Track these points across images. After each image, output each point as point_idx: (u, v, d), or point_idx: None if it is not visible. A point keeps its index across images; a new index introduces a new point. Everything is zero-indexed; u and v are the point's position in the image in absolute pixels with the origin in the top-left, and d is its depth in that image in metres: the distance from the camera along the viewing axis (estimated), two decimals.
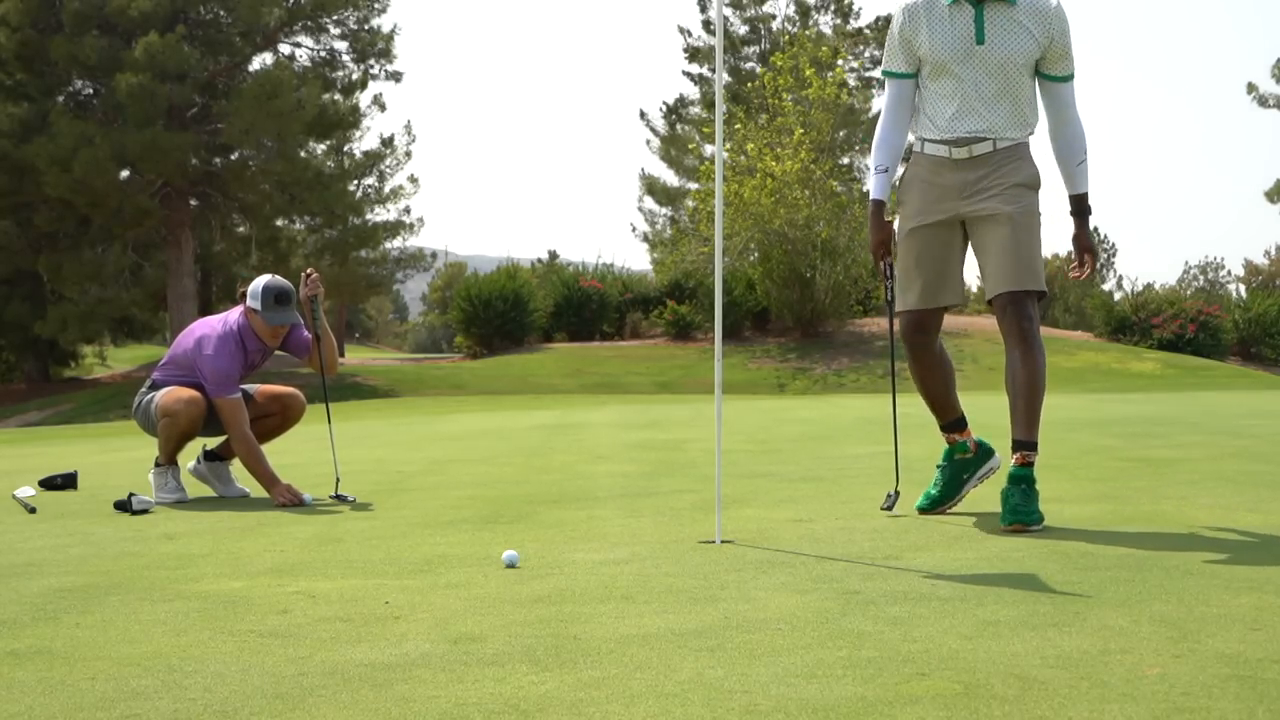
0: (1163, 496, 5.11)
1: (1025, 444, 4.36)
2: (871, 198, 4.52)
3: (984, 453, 4.80)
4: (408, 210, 37.64)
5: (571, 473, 6.91)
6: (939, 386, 4.71)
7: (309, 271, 6.14)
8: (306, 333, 6.18)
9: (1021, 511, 4.24)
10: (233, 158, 32.68)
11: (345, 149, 34.56)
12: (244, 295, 6.06)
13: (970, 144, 4.38)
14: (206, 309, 32.65)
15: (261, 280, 6.04)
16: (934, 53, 4.35)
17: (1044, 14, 4.31)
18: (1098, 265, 4.63)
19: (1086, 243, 4.53)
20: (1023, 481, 4.31)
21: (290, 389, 6.35)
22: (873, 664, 2.51)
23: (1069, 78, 4.42)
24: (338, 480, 5.92)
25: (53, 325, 31.51)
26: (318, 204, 32.04)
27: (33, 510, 5.66)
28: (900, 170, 4.64)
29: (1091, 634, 2.72)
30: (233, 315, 6.09)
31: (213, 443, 6.35)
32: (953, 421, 4.76)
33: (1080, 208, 4.52)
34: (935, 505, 4.73)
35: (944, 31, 4.32)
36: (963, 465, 4.76)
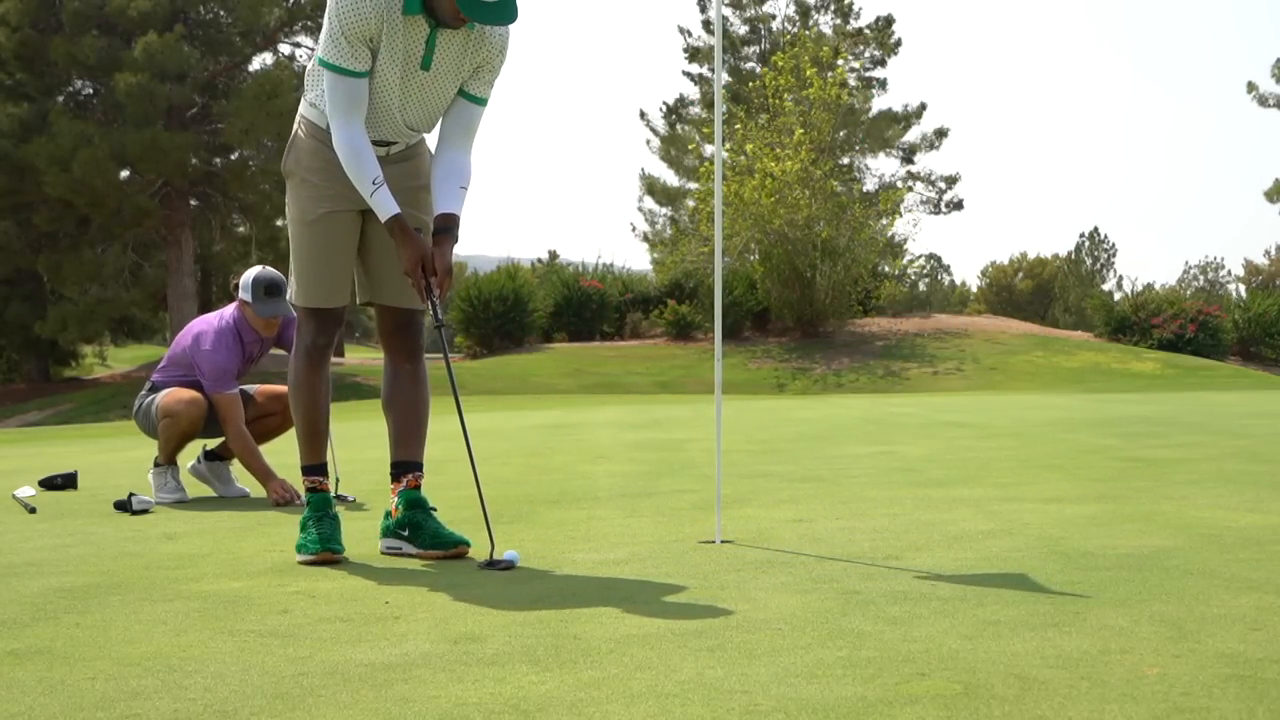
0: (1163, 496, 5.11)
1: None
2: (389, 216, 3.89)
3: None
4: None
5: (571, 473, 6.92)
6: (327, 405, 4.26)
7: None
8: None
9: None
10: (233, 158, 32.74)
11: None
12: (236, 288, 6.08)
13: (388, 146, 4.11)
14: (206, 309, 32.62)
15: (252, 272, 6.07)
16: (379, 64, 3.90)
17: (488, 41, 3.93)
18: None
19: (447, 263, 3.96)
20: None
21: None
22: (873, 664, 2.51)
23: (485, 102, 4.06)
24: (337, 480, 5.90)
25: (53, 325, 31.56)
26: None
27: (33, 510, 5.66)
28: (299, 137, 4.14)
29: (1091, 634, 2.72)
30: (228, 310, 6.12)
31: (212, 443, 6.35)
32: (323, 464, 4.24)
33: (451, 226, 3.99)
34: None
35: (394, 46, 3.87)
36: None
